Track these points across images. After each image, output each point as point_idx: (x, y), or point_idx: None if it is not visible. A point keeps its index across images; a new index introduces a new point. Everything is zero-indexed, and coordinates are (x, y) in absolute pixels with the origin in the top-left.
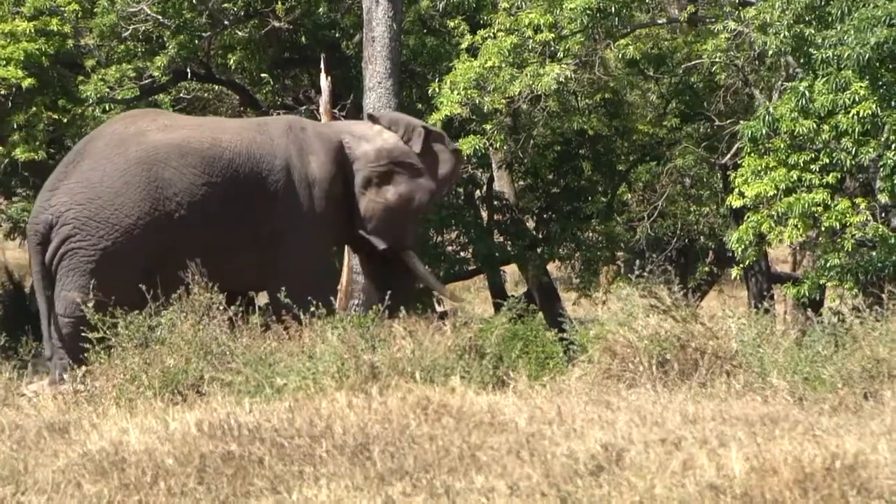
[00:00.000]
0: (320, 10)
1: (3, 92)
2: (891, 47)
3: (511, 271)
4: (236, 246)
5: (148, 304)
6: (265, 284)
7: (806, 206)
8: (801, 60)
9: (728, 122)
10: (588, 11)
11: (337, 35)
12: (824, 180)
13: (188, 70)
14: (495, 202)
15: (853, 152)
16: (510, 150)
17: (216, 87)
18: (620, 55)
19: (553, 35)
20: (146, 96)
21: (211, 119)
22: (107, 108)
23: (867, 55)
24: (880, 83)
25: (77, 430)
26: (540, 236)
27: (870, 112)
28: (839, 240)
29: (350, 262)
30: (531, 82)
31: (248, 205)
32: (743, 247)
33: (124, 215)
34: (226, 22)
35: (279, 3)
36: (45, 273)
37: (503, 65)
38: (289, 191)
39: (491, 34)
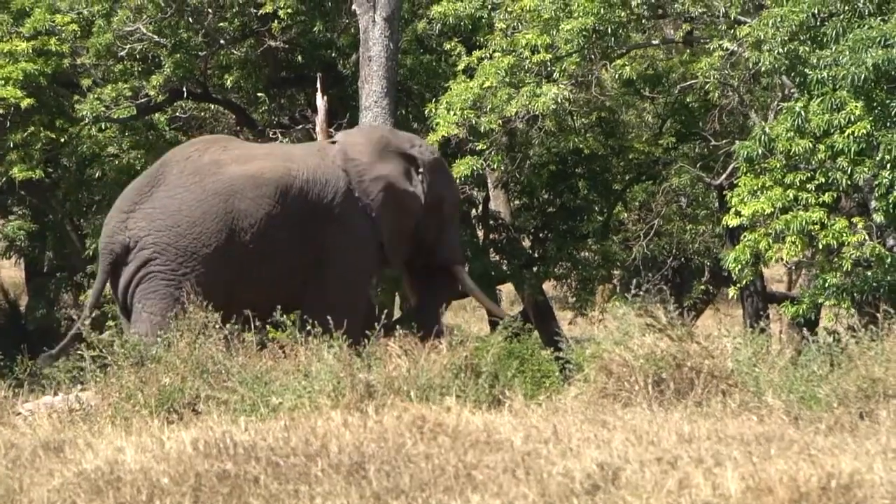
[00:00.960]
0: (316, 29)
1: (0, 111)
2: (887, 68)
3: (507, 290)
4: (301, 270)
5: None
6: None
7: (803, 223)
8: (796, 80)
9: (724, 141)
10: (584, 32)
11: (333, 54)
12: (820, 199)
13: (184, 89)
14: (491, 221)
15: (849, 172)
16: (506, 169)
17: (212, 107)
18: (616, 75)
19: (549, 56)
20: (142, 115)
21: (277, 146)
22: (103, 126)
23: (863, 75)
24: (875, 103)
25: (72, 448)
26: (536, 255)
27: (865, 132)
28: (836, 259)
29: None
30: (528, 102)
31: (315, 229)
32: (739, 266)
33: (202, 244)
34: (222, 41)
35: (275, 22)
36: (103, 290)
37: (500, 85)
38: (351, 214)
39: (487, 55)
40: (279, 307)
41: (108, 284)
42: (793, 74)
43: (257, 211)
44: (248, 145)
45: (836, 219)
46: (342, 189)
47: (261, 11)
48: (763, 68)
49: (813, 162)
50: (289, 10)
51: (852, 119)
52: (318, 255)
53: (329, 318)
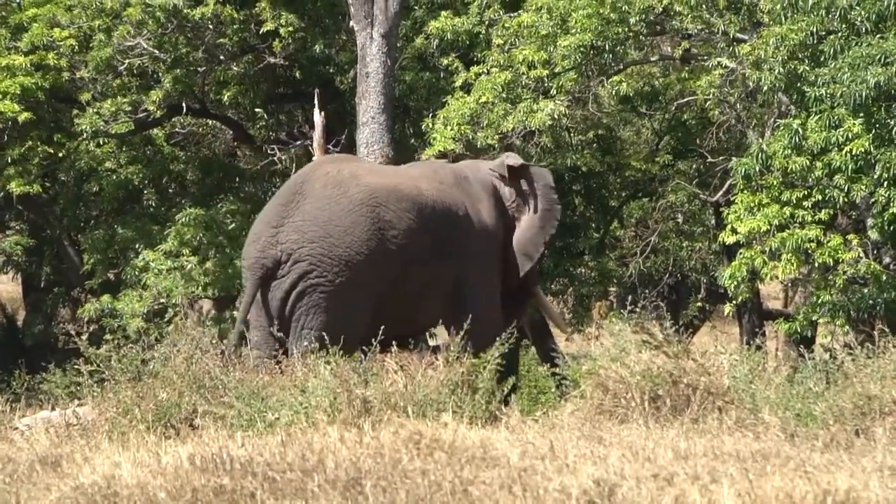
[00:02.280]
0: (317, 48)
1: None
2: (887, 87)
3: None
4: (439, 286)
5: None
6: (447, 324)
7: (799, 241)
8: (795, 98)
9: (721, 158)
10: (581, 49)
11: (331, 70)
12: (817, 217)
13: (183, 105)
14: None
15: (846, 189)
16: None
17: (210, 122)
18: (613, 92)
19: (547, 71)
20: (140, 130)
21: (397, 167)
22: (100, 142)
23: (864, 94)
24: (874, 121)
25: (69, 463)
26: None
27: (863, 149)
28: (831, 276)
29: None
30: (524, 118)
31: (440, 250)
32: (735, 283)
33: (355, 252)
34: (221, 57)
35: (276, 39)
36: (253, 303)
37: (497, 101)
38: (470, 236)
39: (485, 70)
40: (416, 325)
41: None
42: (791, 92)
43: (400, 222)
44: (374, 163)
45: (832, 236)
46: (466, 209)
47: (262, 29)
48: (764, 87)
49: (810, 179)
50: (290, 28)
51: (850, 136)
52: (454, 272)
53: (476, 334)
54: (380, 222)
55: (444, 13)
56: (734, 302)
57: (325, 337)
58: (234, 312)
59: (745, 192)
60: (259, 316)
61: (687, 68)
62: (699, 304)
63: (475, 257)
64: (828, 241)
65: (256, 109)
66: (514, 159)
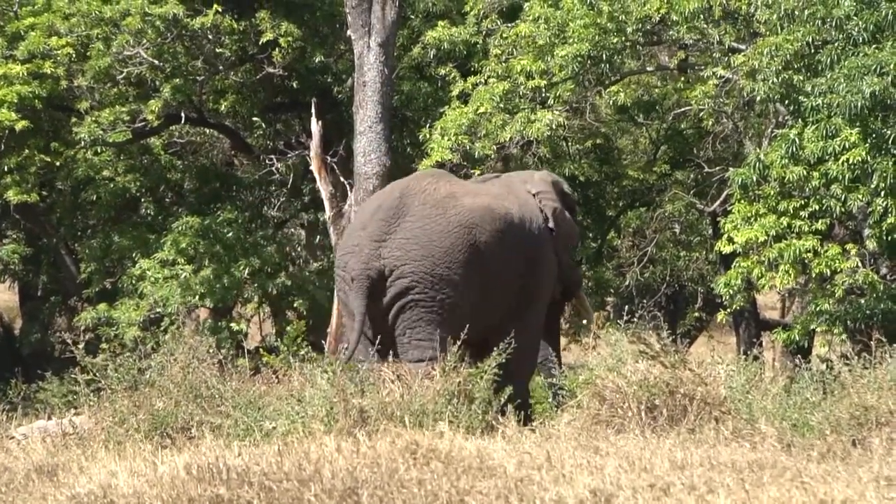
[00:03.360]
0: (316, 58)
1: None
2: (883, 96)
3: None
4: (511, 300)
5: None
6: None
7: (796, 252)
8: (791, 108)
9: (717, 168)
10: (579, 58)
11: (329, 80)
12: (814, 227)
13: (181, 114)
14: None
15: (843, 199)
16: None
17: (208, 131)
18: (611, 101)
19: (544, 81)
20: (138, 139)
21: (477, 183)
22: (98, 150)
23: (860, 103)
24: (870, 130)
25: (65, 472)
26: None
27: (859, 159)
28: (829, 286)
29: (340, 306)
30: (522, 128)
31: (524, 268)
32: (731, 292)
33: (454, 273)
34: (220, 67)
35: (275, 49)
36: (366, 316)
37: (494, 111)
38: (545, 252)
39: (482, 80)
40: (494, 340)
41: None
42: (787, 102)
43: (492, 242)
44: (462, 181)
45: (830, 246)
46: (540, 226)
47: (262, 39)
48: (759, 97)
49: (807, 189)
50: (289, 38)
51: (847, 146)
52: (525, 287)
53: (525, 348)
54: (476, 243)
55: (441, 23)
56: (728, 310)
57: (435, 347)
58: (232, 324)
59: (742, 201)
60: (355, 324)
61: (683, 78)
62: (696, 314)
63: (546, 272)
64: (825, 252)
65: (254, 119)
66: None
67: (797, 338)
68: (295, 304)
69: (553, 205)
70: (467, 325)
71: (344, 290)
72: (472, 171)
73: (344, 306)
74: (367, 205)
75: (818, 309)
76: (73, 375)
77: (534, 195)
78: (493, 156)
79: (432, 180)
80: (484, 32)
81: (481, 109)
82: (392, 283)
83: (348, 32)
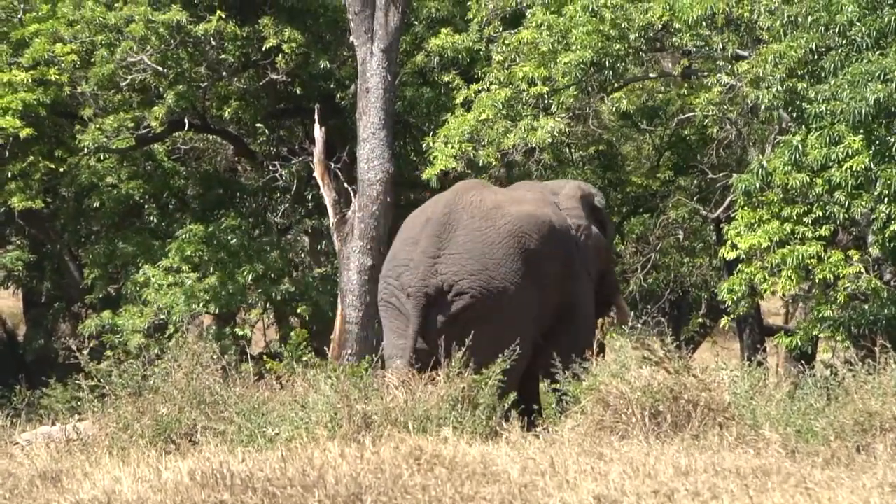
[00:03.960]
0: (321, 64)
1: (0, 142)
2: (887, 103)
3: None
4: (556, 309)
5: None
6: (563, 341)
7: (799, 257)
8: (794, 114)
9: (721, 174)
10: (582, 65)
11: (332, 86)
12: (817, 233)
13: (185, 120)
14: None
15: (846, 206)
16: None
17: (211, 138)
18: (614, 108)
19: (547, 88)
20: (141, 146)
21: (514, 191)
22: (102, 157)
23: (864, 110)
24: (874, 137)
25: (69, 478)
26: None
27: (863, 166)
28: (832, 292)
29: (343, 312)
30: (525, 135)
31: (568, 272)
32: (734, 298)
33: (509, 283)
34: (223, 73)
35: (278, 55)
36: (420, 332)
37: (497, 118)
38: (586, 255)
39: (485, 87)
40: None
41: None
42: (790, 109)
43: (541, 250)
44: (503, 189)
45: (833, 252)
46: (574, 235)
47: (265, 45)
48: (763, 105)
49: (810, 195)
50: (292, 44)
51: (850, 153)
52: (566, 296)
53: (574, 356)
54: (526, 252)
55: (444, 30)
56: (731, 316)
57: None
58: (236, 329)
59: (746, 208)
60: (409, 338)
61: (687, 85)
62: (700, 319)
63: (584, 279)
64: (828, 258)
65: (257, 125)
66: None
67: (800, 343)
68: (298, 311)
69: (578, 222)
70: (523, 333)
71: (395, 298)
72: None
73: (391, 308)
74: (413, 219)
75: (821, 315)
76: (76, 381)
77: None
78: (496, 163)
79: (476, 192)
80: (487, 39)
81: (484, 117)
82: (453, 298)
83: (351, 39)
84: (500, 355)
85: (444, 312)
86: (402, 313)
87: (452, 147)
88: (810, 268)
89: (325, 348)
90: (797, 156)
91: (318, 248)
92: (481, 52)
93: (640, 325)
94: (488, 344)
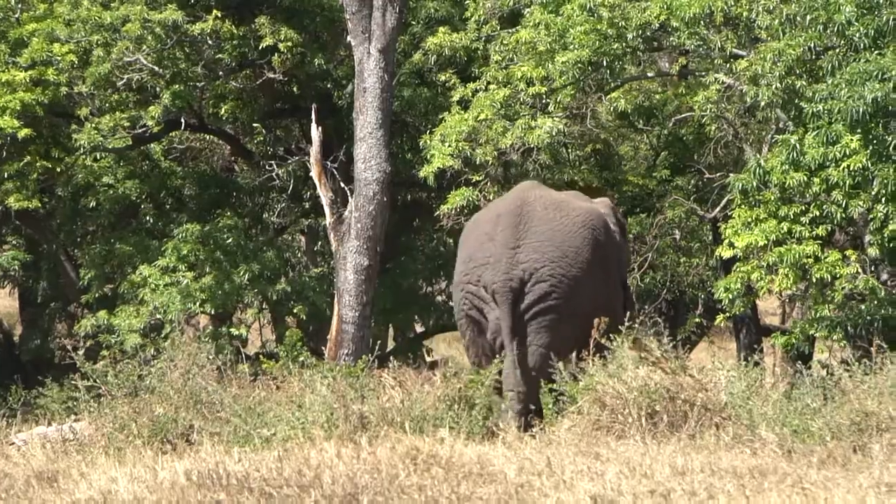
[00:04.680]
0: (316, 62)
1: None
2: (885, 102)
3: None
4: (606, 300)
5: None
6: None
7: (796, 256)
8: (792, 113)
9: (718, 174)
10: (579, 65)
11: (329, 86)
12: (814, 232)
13: (181, 120)
14: None
15: (843, 205)
16: None
17: (208, 137)
18: (611, 108)
19: (545, 88)
20: (138, 146)
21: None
22: (98, 157)
23: (861, 109)
24: (871, 137)
25: (66, 479)
26: None
27: (860, 165)
28: (829, 292)
29: (340, 312)
30: (522, 135)
31: (614, 264)
32: (730, 296)
33: (585, 272)
34: (220, 72)
35: (275, 55)
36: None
37: (495, 117)
38: (617, 258)
39: (482, 86)
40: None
41: None
42: (788, 108)
43: (607, 242)
44: (553, 190)
45: (830, 251)
46: (618, 235)
47: (261, 45)
48: (761, 103)
49: (807, 195)
50: (289, 44)
51: (848, 153)
52: (610, 291)
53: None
54: (596, 242)
55: (441, 29)
56: (728, 314)
57: (552, 354)
58: (232, 329)
59: (743, 207)
60: (482, 330)
61: (684, 84)
62: (697, 319)
63: (620, 279)
64: (826, 257)
65: (254, 124)
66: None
67: (797, 342)
68: (295, 310)
69: (617, 229)
70: (589, 322)
71: (476, 311)
72: (473, 177)
73: (473, 323)
74: (480, 220)
75: (818, 315)
76: (73, 382)
77: None
78: (493, 162)
79: (539, 189)
80: (484, 38)
81: (481, 116)
82: (531, 287)
83: (348, 38)
84: (575, 341)
85: (525, 299)
86: (483, 329)
87: (449, 145)
88: (807, 267)
89: (322, 348)
90: (794, 155)
91: (315, 247)
92: (479, 52)
93: (636, 326)
94: (565, 330)
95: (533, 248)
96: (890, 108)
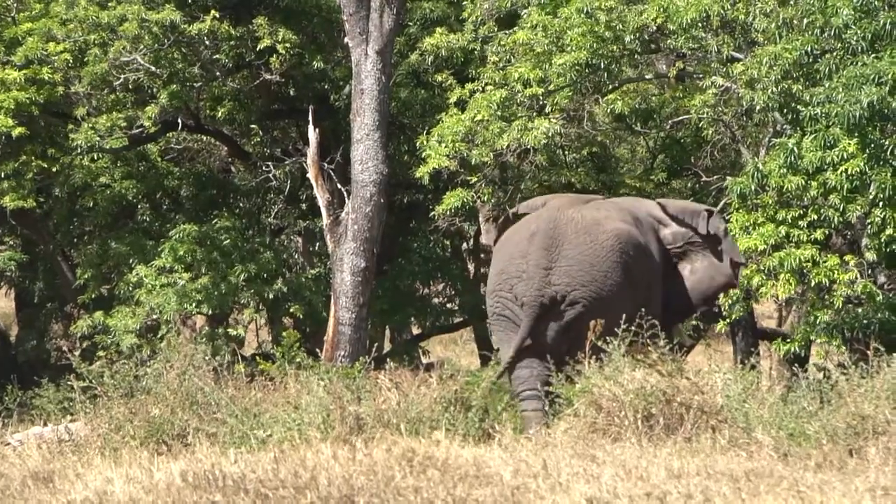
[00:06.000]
0: (315, 64)
1: None
2: (881, 106)
3: None
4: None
5: None
6: None
7: (795, 261)
8: (789, 117)
9: (715, 177)
10: (576, 67)
11: (326, 87)
12: (812, 236)
13: (178, 120)
14: (482, 255)
15: (841, 209)
16: (498, 202)
17: (205, 138)
18: (608, 110)
19: (542, 90)
20: (134, 146)
21: (601, 204)
22: (95, 157)
23: (858, 113)
24: (869, 140)
25: (61, 479)
26: None
27: (858, 169)
28: (828, 297)
29: (336, 313)
30: (519, 136)
31: (645, 284)
32: (730, 301)
33: (615, 295)
34: (217, 73)
35: (272, 56)
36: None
37: (491, 118)
38: (654, 274)
39: (479, 88)
40: None
41: None
42: (785, 111)
43: (635, 264)
44: (592, 202)
45: (828, 256)
46: (657, 248)
47: (259, 45)
48: (758, 106)
49: (805, 199)
50: (286, 45)
51: (845, 156)
52: (642, 302)
53: None
54: (626, 265)
55: (438, 30)
56: (728, 321)
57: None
58: (229, 329)
59: (741, 211)
60: (515, 341)
61: (681, 86)
62: (694, 322)
63: (653, 293)
64: (824, 262)
65: (251, 125)
66: (720, 222)
67: (798, 349)
68: (291, 311)
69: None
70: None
71: (509, 311)
72: (469, 179)
73: (505, 322)
74: (515, 235)
75: (817, 321)
76: (69, 382)
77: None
78: (490, 163)
79: (574, 208)
80: (481, 40)
81: (478, 117)
82: (566, 308)
83: (346, 40)
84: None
85: (557, 321)
86: (516, 326)
87: (446, 146)
88: (805, 271)
89: (318, 350)
90: (792, 159)
91: (312, 249)
92: (476, 53)
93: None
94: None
95: (565, 271)
96: (886, 111)
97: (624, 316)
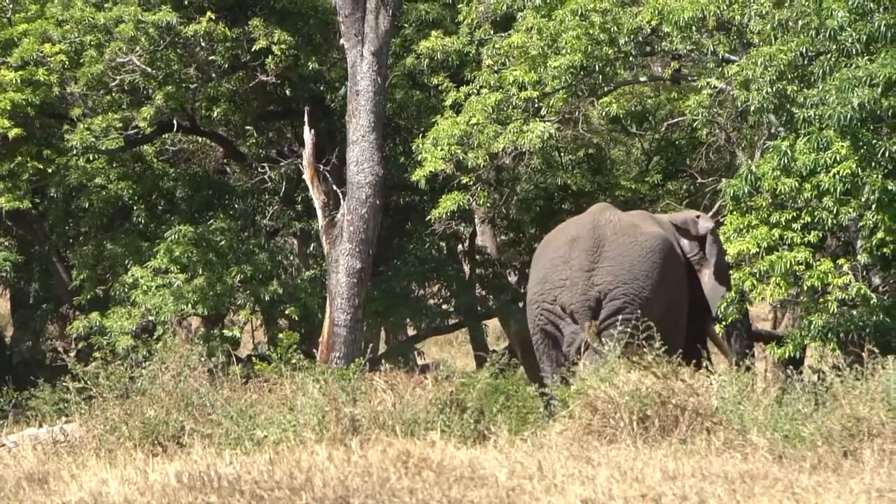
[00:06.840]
0: (310, 65)
1: None
2: (872, 108)
3: (493, 325)
4: (669, 324)
5: None
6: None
7: (788, 264)
8: (783, 119)
9: (710, 179)
10: (571, 69)
11: (322, 88)
12: (805, 239)
13: (174, 121)
14: (477, 256)
15: (834, 212)
16: (493, 204)
17: (200, 139)
18: (604, 112)
19: (537, 92)
20: (130, 147)
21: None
22: (90, 158)
23: (849, 115)
24: (861, 143)
25: (56, 480)
26: (522, 290)
27: (850, 172)
28: (822, 300)
29: (332, 315)
30: (515, 139)
31: (673, 290)
32: (724, 304)
33: (654, 295)
34: (213, 74)
35: (268, 57)
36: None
37: (487, 121)
38: (682, 277)
39: (474, 90)
40: None
41: None
42: (780, 113)
43: (671, 266)
44: (624, 212)
45: (822, 259)
46: (681, 256)
47: (254, 47)
48: (752, 107)
49: (799, 201)
50: (282, 46)
51: (838, 159)
52: (675, 310)
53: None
54: (664, 267)
55: (434, 32)
56: (723, 323)
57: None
58: (225, 331)
59: (735, 213)
60: (557, 344)
61: (676, 88)
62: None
63: (682, 298)
64: (817, 265)
65: (247, 127)
66: (707, 222)
67: (792, 352)
68: (287, 312)
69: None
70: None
71: (551, 325)
72: (465, 181)
73: (546, 335)
74: (553, 242)
75: (811, 325)
76: (64, 383)
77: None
78: (485, 165)
79: (611, 212)
80: (477, 42)
81: (473, 120)
82: (605, 304)
83: (341, 41)
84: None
85: (601, 314)
86: (558, 342)
87: (441, 149)
88: (798, 274)
89: (314, 351)
90: (786, 161)
91: (307, 250)
92: (471, 55)
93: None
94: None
95: (607, 270)
96: (878, 113)
97: (661, 314)
